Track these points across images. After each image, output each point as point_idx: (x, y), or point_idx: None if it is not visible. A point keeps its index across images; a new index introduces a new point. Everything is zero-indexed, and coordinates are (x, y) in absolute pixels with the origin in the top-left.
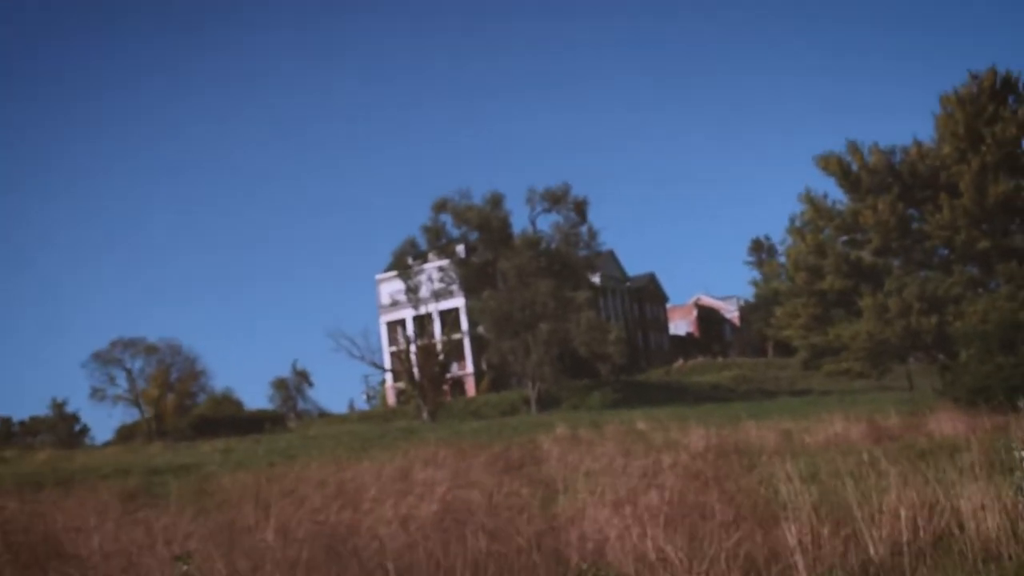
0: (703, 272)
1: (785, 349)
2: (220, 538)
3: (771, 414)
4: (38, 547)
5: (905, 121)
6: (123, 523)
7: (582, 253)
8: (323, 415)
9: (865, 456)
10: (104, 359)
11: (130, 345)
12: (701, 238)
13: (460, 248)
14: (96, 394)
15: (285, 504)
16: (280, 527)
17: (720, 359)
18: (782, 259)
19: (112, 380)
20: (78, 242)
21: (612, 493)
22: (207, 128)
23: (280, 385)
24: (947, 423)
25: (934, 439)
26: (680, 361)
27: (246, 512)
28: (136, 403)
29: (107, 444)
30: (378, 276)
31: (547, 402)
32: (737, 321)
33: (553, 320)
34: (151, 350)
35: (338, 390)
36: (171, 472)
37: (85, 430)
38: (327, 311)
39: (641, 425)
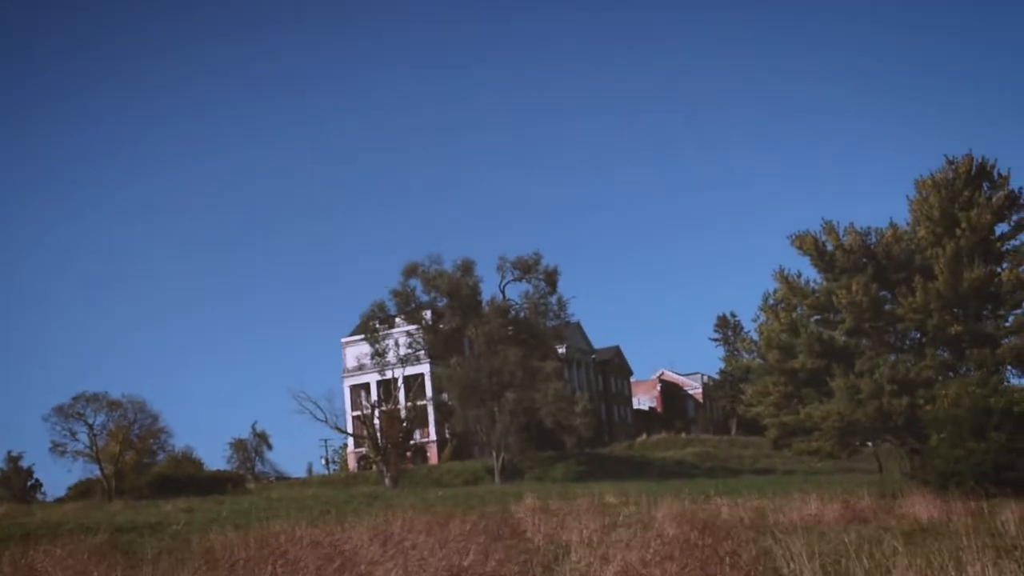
0: (668, 347)
1: (749, 427)
2: None
3: (739, 491)
4: None
5: (880, 203)
6: None
7: (551, 323)
8: (281, 478)
9: (849, 537)
10: (66, 413)
11: (93, 400)
12: (666, 313)
13: (428, 314)
14: (56, 448)
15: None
16: None
17: (683, 435)
18: (754, 335)
19: (73, 435)
20: (45, 295)
21: (614, 564)
22: (177, 179)
23: (239, 446)
24: (920, 506)
25: (913, 522)
26: (643, 436)
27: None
28: (96, 459)
29: (61, 500)
30: (344, 339)
31: (510, 472)
32: (700, 397)
33: (520, 389)
34: (114, 406)
35: (297, 453)
36: (136, 531)
37: (38, 485)
38: (290, 372)
39: (611, 498)
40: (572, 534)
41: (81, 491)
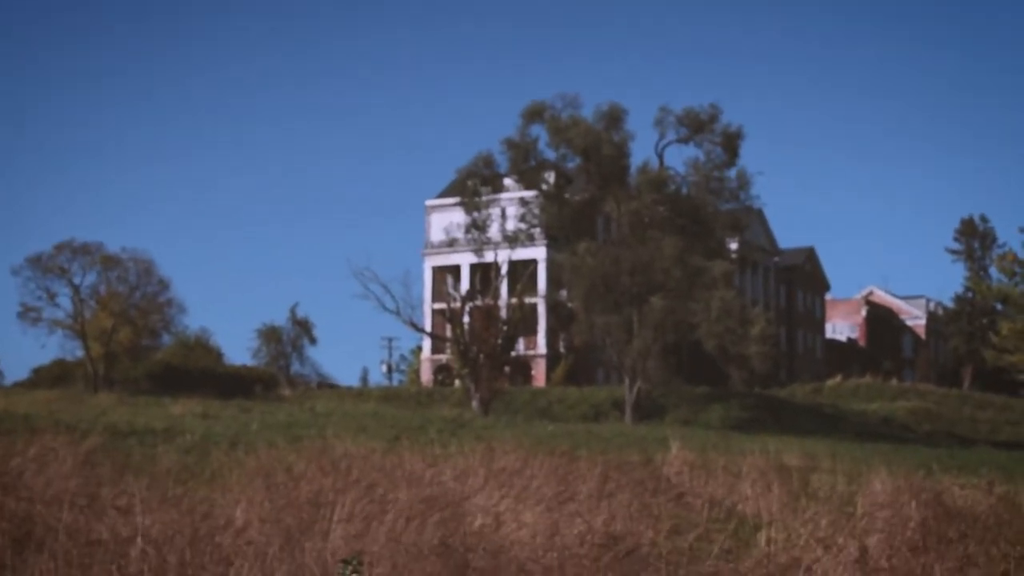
0: (881, 256)
1: (991, 380)
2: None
3: (974, 469)
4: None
5: None
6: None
7: (725, 206)
8: (326, 384)
9: None
10: (44, 267)
11: (81, 252)
12: (883, 209)
13: (552, 176)
14: (26, 314)
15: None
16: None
17: (894, 382)
18: (1018, 249)
19: (51, 297)
20: (29, 114)
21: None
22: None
23: (271, 335)
24: None
25: None
26: (838, 377)
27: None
28: (79, 333)
29: (25, 385)
30: (429, 201)
31: (647, 410)
32: (923, 332)
33: (673, 295)
34: (109, 262)
35: (349, 353)
36: (135, 436)
37: None
38: (349, 243)
39: (792, 459)
40: (748, 503)
41: (55, 375)
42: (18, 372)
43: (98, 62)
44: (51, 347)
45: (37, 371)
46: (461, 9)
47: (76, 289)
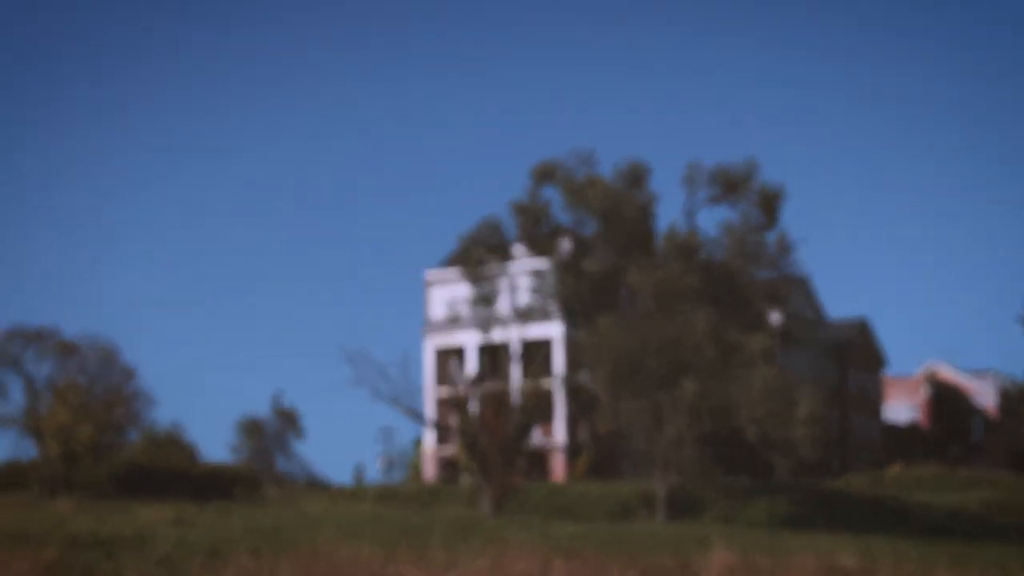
0: (944, 328)
1: None
2: None
3: None
4: None
5: None
6: None
7: (763, 274)
8: (315, 484)
9: None
10: None
11: (35, 338)
12: (945, 273)
13: (566, 244)
14: None
15: None
16: None
17: (963, 470)
18: None
19: (1, 391)
20: None
21: None
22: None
23: (252, 429)
24: None
25: None
26: (898, 466)
27: None
28: (34, 431)
29: None
30: (429, 273)
31: (682, 506)
32: (995, 411)
33: (708, 375)
34: (67, 349)
35: (341, 448)
36: (101, 547)
37: None
38: (339, 324)
39: (847, 561)
40: None
41: (7, 479)
42: None
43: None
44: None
45: None
46: (461, 61)
47: (29, 381)
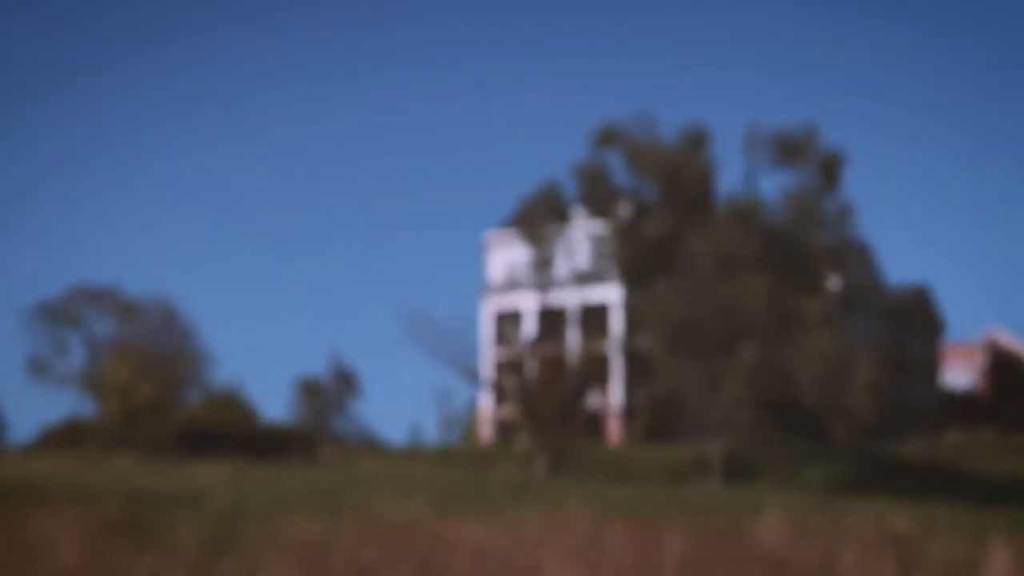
0: (1007, 292)
1: None
2: None
3: None
4: None
5: None
6: None
7: (823, 240)
8: (372, 444)
9: None
10: (54, 314)
11: (97, 297)
12: (1006, 238)
13: (627, 207)
14: (36, 366)
15: None
16: None
17: (1021, 437)
18: None
19: (62, 348)
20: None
21: None
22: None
23: (310, 389)
24: None
25: None
26: (956, 432)
27: None
28: (95, 389)
29: (35, 447)
30: (488, 234)
31: (739, 470)
32: None
33: (766, 340)
34: (128, 309)
35: (398, 408)
36: (161, 503)
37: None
38: (398, 283)
39: (903, 526)
40: (853, 572)
41: (67, 437)
42: (26, 432)
43: (117, 92)
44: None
45: (47, 431)
46: (520, 22)
47: (90, 339)
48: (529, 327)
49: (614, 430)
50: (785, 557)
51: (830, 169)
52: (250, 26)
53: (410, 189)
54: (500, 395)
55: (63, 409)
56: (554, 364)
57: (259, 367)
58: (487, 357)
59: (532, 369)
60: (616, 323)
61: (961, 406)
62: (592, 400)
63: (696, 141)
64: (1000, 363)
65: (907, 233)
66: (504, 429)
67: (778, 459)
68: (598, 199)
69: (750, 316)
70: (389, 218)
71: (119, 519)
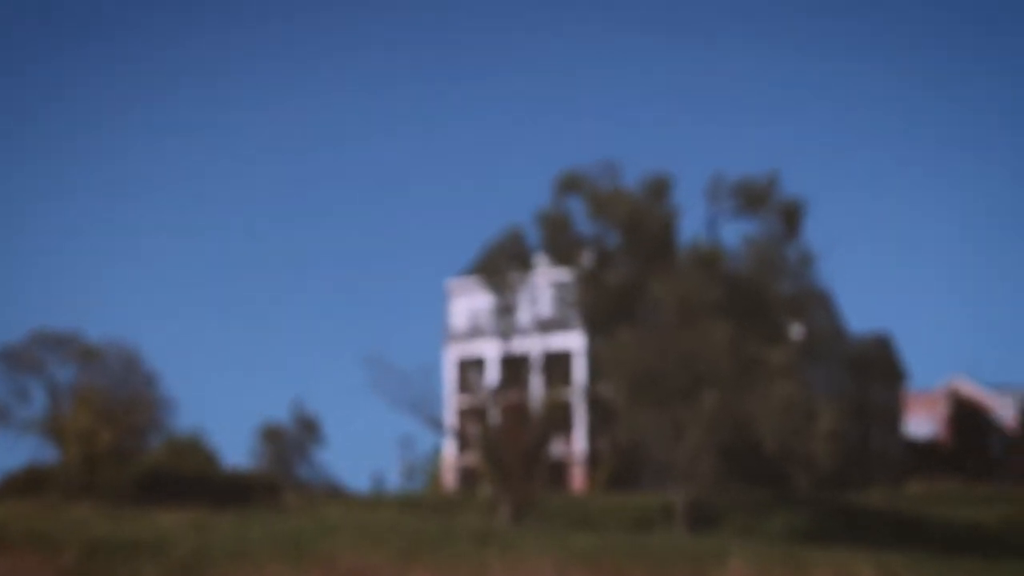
0: (967, 342)
1: None
2: None
3: None
4: None
5: None
6: None
7: (785, 288)
8: (335, 492)
9: None
10: (15, 360)
11: (58, 342)
12: (968, 288)
13: (589, 256)
14: None
15: None
16: None
17: (983, 486)
18: None
19: (23, 396)
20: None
21: None
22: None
23: (272, 436)
24: None
25: None
26: (919, 480)
27: None
28: (56, 435)
29: None
30: (451, 282)
31: (702, 518)
32: (1015, 426)
33: (728, 388)
34: (89, 355)
35: (360, 456)
36: (121, 551)
37: None
38: (360, 331)
39: (865, 574)
40: None
41: (27, 483)
42: None
43: (82, 126)
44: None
45: (7, 478)
46: (484, 68)
47: (52, 385)
48: (492, 374)
49: (577, 477)
50: None
51: (791, 217)
52: (200, 67)
53: (374, 236)
54: (463, 442)
55: (23, 456)
56: (517, 411)
57: (221, 414)
58: (450, 404)
59: (495, 416)
60: (579, 371)
61: (923, 455)
62: (555, 448)
63: (658, 189)
64: (962, 412)
65: (869, 282)
66: (467, 476)
67: (740, 507)
68: (561, 247)
69: (712, 364)
70: (352, 265)
71: (79, 566)
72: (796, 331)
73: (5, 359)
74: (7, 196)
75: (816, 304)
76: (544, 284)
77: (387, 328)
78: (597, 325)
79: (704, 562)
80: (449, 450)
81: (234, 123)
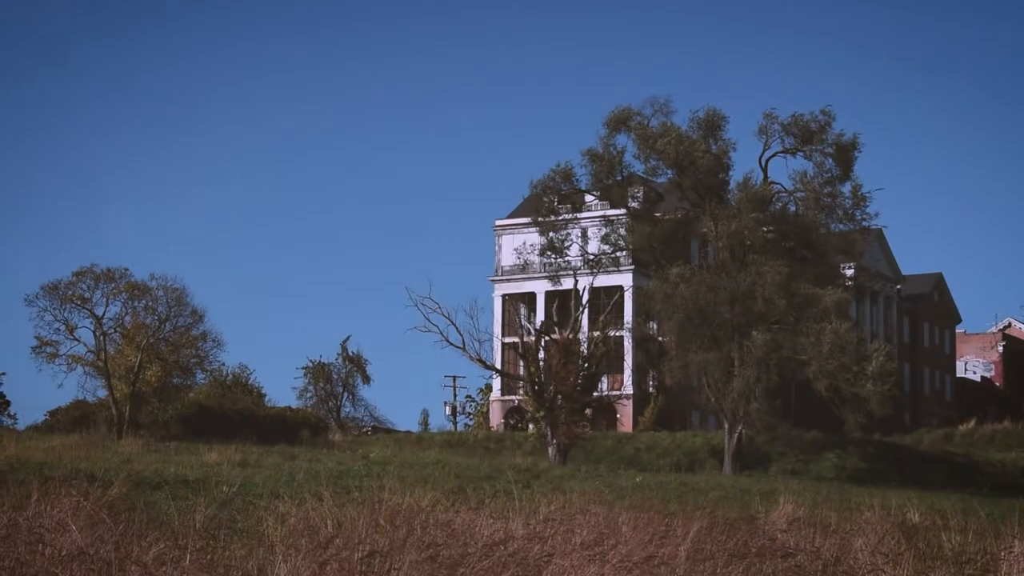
0: (1019, 285)
1: None
2: None
3: None
4: None
5: None
6: None
7: (838, 227)
8: (382, 429)
9: None
10: (62, 296)
11: (105, 278)
12: (1020, 230)
13: (640, 193)
14: (41, 350)
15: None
16: None
17: None
18: None
19: (70, 330)
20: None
21: None
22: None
23: (319, 374)
24: None
25: None
26: (971, 422)
27: None
28: (103, 371)
29: (40, 428)
30: (500, 221)
31: (750, 458)
32: None
33: (779, 328)
34: (136, 290)
35: (408, 394)
36: (167, 487)
37: (5, 404)
38: (408, 271)
39: (916, 516)
40: (865, 563)
41: (74, 418)
42: (33, 414)
43: (129, 76)
44: (70, 386)
45: (54, 413)
46: (533, 6)
47: (98, 321)
48: (541, 313)
49: (626, 417)
50: (797, 547)
51: (845, 155)
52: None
53: (423, 175)
54: (511, 381)
55: (71, 392)
56: (565, 350)
57: (269, 352)
58: (498, 343)
59: (543, 355)
60: (628, 309)
61: (976, 396)
62: (604, 386)
63: (711, 126)
64: (1015, 354)
65: (923, 223)
66: (515, 415)
67: (790, 448)
68: (611, 185)
69: (764, 303)
70: (402, 204)
71: (124, 503)
72: (849, 271)
73: (52, 295)
74: (53, 131)
75: (870, 244)
76: (594, 222)
77: (436, 267)
78: (647, 263)
79: (753, 500)
80: (497, 388)
81: (284, 68)
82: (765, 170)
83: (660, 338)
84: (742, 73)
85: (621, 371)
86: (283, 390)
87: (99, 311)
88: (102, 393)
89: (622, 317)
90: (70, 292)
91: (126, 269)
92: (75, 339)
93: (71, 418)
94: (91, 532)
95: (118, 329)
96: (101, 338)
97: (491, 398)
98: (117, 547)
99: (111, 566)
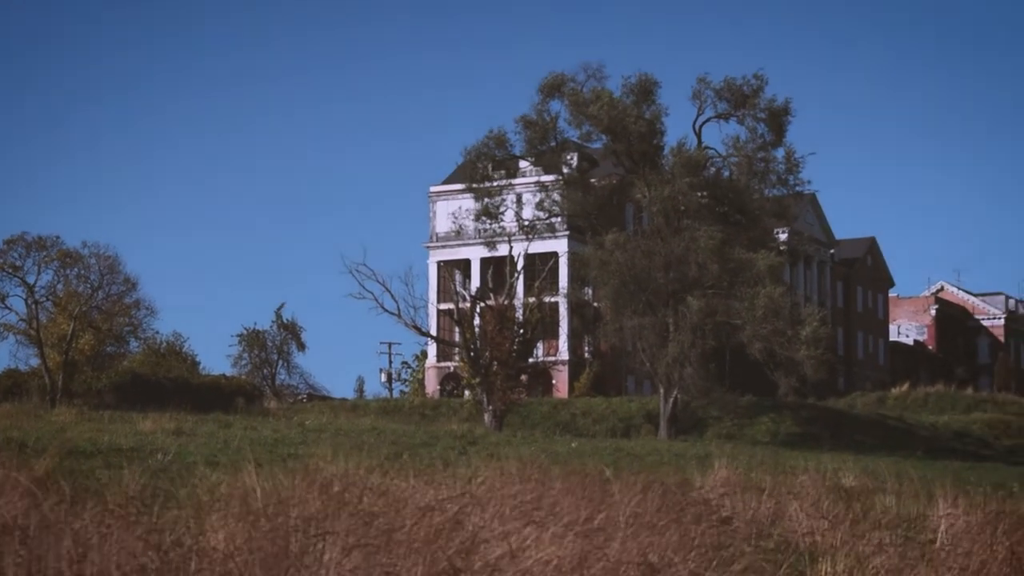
0: (954, 248)
1: None
2: None
3: None
4: None
5: None
6: None
7: (771, 192)
8: (317, 396)
9: None
10: None
11: (36, 246)
12: (954, 194)
13: (574, 159)
14: None
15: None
16: None
17: (969, 391)
18: None
19: (1, 299)
20: None
21: None
22: None
23: (254, 341)
24: None
25: None
26: (903, 386)
27: None
28: (35, 339)
29: None
30: (434, 188)
31: (685, 423)
32: (1001, 334)
33: (713, 293)
34: (68, 258)
35: (343, 362)
36: (100, 456)
37: None
38: (342, 237)
39: (849, 479)
40: (802, 531)
41: (5, 388)
42: None
43: (73, 47)
44: (1, 355)
45: None
46: None
47: (30, 289)
48: (475, 279)
49: (561, 383)
50: (732, 511)
51: (777, 120)
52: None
53: (357, 142)
54: (446, 348)
55: (2, 361)
56: (500, 316)
57: (202, 320)
58: (433, 309)
59: (478, 321)
60: (563, 275)
61: (909, 360)
62: (539, 353)
63: (643, 91)
64: (947, 317)
65: (855, 187)
66: (450, 381)
67: (725, 413)
68: (545, 150)
69: (698, 268)
70: (336, 171)
71: (57, 473)
72: (782, 235)
73: None
74: None
75: (803, 208)
76: (528, 188)
77: (371, 234)
78: (581, 229)
79: (688, 464)
80: (432, 355)
81: (225, 46)
82: (699, 135)
83: (595, 304)
84: (676, 39)
85: (556, 337)
86: (217, 358)
87: (31, 279)
88: (35, 362)
89: (557, 283)
90: (1, 260)
91: (58, 237)
92: (7, 307)
93: (3, 387)
94: (21, 502)
95: (50, 297)
96: (33, 306)
97: (427, 365)
98: (44, 518)
99: (42, 534)
